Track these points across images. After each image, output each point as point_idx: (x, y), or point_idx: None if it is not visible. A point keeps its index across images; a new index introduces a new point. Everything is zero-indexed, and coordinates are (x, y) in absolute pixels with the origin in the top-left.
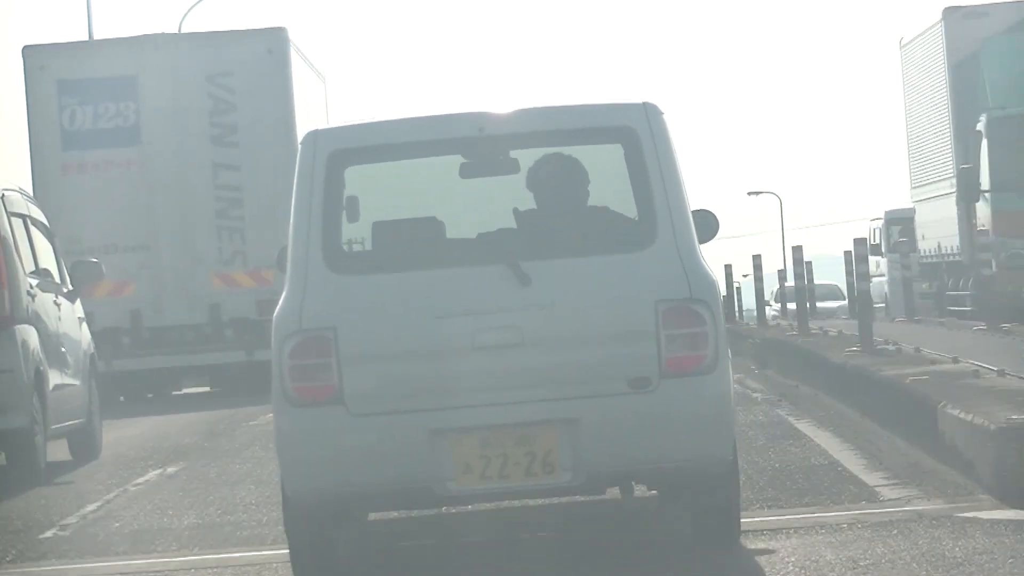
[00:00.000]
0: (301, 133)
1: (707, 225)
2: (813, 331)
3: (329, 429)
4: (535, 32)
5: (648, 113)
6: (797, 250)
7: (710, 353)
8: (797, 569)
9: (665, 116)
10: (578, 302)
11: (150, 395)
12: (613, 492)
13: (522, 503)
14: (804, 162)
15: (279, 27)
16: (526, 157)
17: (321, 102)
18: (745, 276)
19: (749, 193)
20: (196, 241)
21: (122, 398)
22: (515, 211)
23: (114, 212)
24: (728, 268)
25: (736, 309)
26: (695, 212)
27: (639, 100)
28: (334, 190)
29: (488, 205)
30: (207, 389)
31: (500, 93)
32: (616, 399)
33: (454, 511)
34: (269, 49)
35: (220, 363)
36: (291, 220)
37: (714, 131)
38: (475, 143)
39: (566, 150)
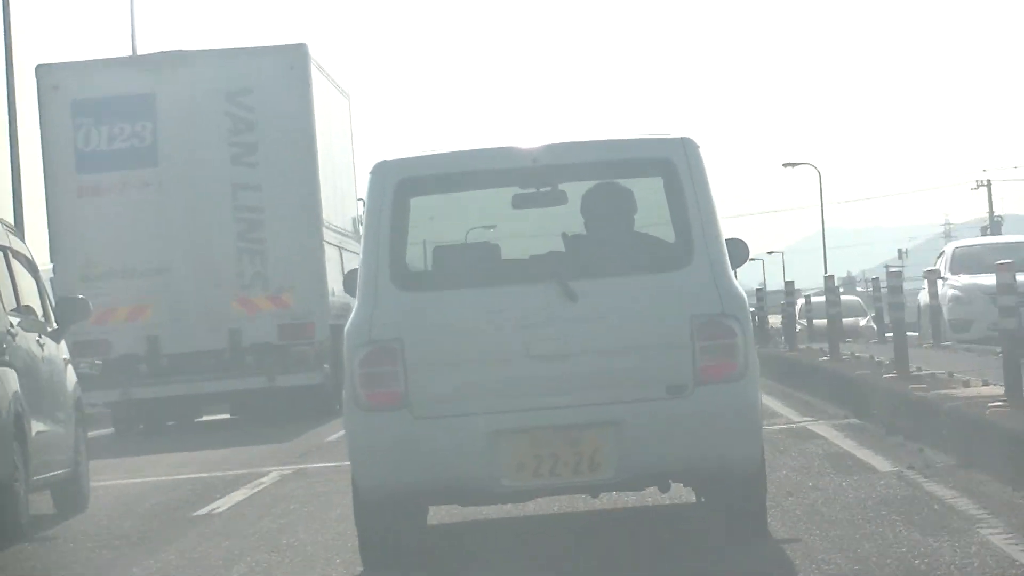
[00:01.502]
0: (323, 151)
1: (738, 251)
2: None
3: (396, 431)
4: (555, 35)
5: (685, 147)
6: (829, 279)
7: (740, 362)
8: None
9: (700, 149)
10: (621, 316)
11: (171, 423)
12: (653, 497)
13: (573, 508)
14: (844, 133)
15: (299, 43)
16: (573, 188)
17: (345, 120)
18: (771, 254)
19: (785, 164)
20: (215, 264)
21: (141, 426)
22: (563, 235)
23: (131, 234)
24: (760, 292)
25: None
26: (728, 240)
27: (678, 136)
28: (400, 215)
29: (539, 231)
30: (227, 416)
31: (525, 107)
32: (655, 404)
33: (509, 516)
34: (290, 66)
35: (240, 389)
36: (362, 242)
37: (748, 99)
38: (530, 173)
39: (613, 180)
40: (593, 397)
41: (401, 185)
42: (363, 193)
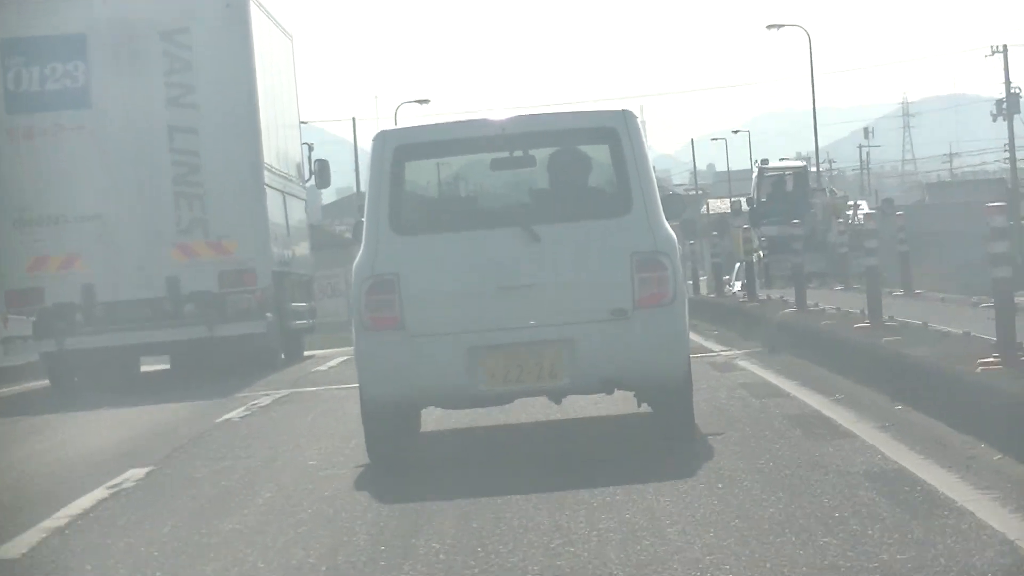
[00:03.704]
0: (264, 93)
1: (675, 206)
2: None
3: (394, 348)
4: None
5: (626, 117)
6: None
7: (670, 291)
8: None
9: (638, 119)
10: (574, 254)
11: (106, 378)
12: (604, 406)
13: (535, 421)
14: None
15: None
16: (541, 153)
17: (288, 62)
18: (736, 132)
19: (769, 27)
20: (152, 210)
21: (76, 379)
22: (530, 189)
23: (64, 180)
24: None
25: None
26: (667, 196)
27: (619, 109)
28: (397, 174)
29: (511, 187)
30: (167, 367)
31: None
32: (602, 324)
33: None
34: (227, 3)
35: (180, 340)
36: (366, 197)
37: None
38: (501, 140)
39: (569, 145)
40: (551, 319)
41: (398, 150)
42: (308, 138)
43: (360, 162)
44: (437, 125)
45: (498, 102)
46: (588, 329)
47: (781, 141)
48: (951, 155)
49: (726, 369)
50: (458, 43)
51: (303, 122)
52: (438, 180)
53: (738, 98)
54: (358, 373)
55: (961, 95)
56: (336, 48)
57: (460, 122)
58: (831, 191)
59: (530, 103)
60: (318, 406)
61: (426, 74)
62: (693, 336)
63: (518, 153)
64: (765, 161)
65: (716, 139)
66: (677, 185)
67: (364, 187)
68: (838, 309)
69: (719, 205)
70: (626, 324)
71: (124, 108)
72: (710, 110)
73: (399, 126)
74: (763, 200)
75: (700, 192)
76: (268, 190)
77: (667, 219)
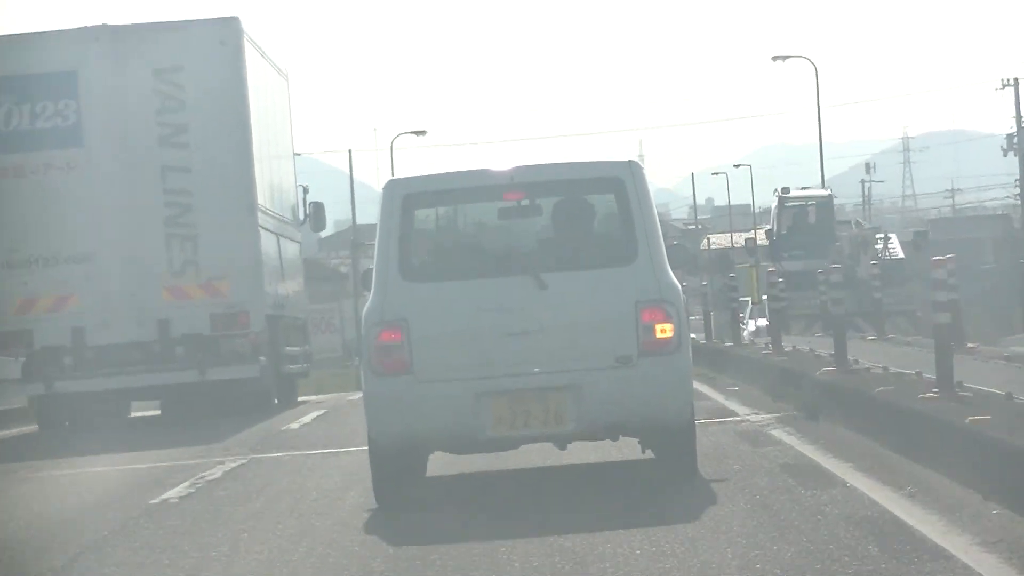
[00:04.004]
0: (258, 132)
1: (681, 256)
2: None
3: (403, 392)
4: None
5: (632, 168)
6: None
7: (675, 339)
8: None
9: (644, 170)
10: (580, 301)
11: (98, 419)
12: (608, 452)
13: (547, 465)
14: (844, 21)
15: (231, 17)
16: (546, 203)
17: (283, 100)
18: (737, 167)
19: (775, 58)
20: (143, 251)
21: (67, 423)
22: (537, 237)
23: (54, 220)
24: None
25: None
26: (672, 246)
27: (626, 160)
28: (407, 222)
29: (518, 236)
30: (157, 412)
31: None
32: (607, 371)
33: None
34: (221, 41)
35: (170, 384)
36: (376, 245)
37: None
38: (508, 189)
39: (575, 195)
40: (557, 365)
41: (407, 199)
42: (303, 179)
43: (356, 194)
44: (446, 175)
45: (495, 133)
46: (594, 376)
47: (779, 174)
48: (953, 191)
49: (759, 441)
50: (455, 73)
51: (298, 153)
52: (446, 228)
53: (735, 131)
54: (366, 416)
55: (960, 131)
56: (332, 80)
57: (468, 171)
58: (857, 222)
59: (526, 134)
60: (272, 484)
61: (422, 105)
62: (710, 392)
63: (525, 202)
64: (786, 190)
65: (716, 173)
66: (676, 220)
67: (375, 233)
68: (885, 369)
69: (720, 240)
70: (631, 371)
71: (116, 147)
72: (709, 143)
73: (408, 175)
74: (783, 233)
75: (700, 227)
76: (262, 231)
77: (672, 268)
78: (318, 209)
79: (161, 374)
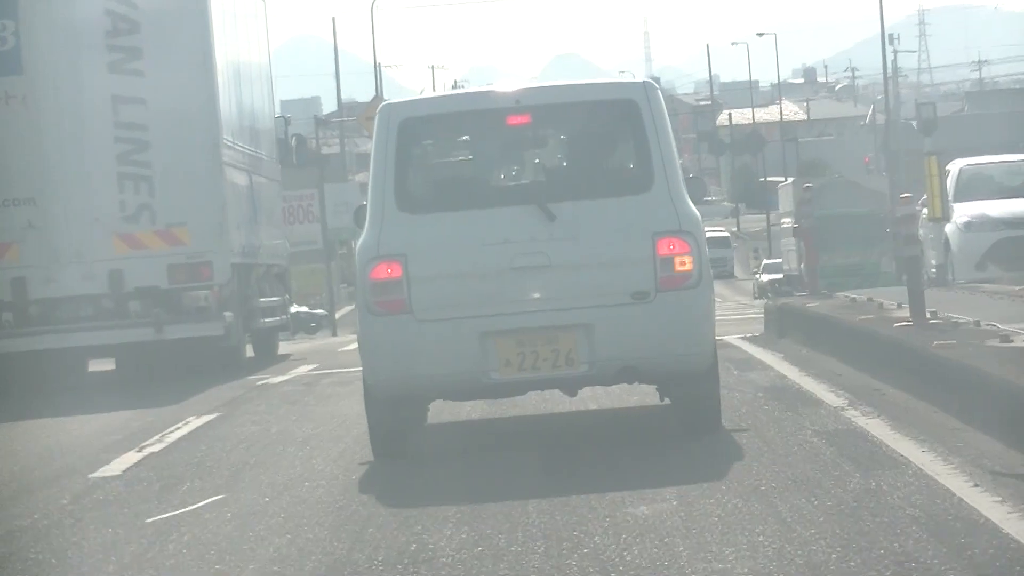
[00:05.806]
0: (224, 58)
1: (698, 188)
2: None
3: (401, 333)
4: None
5: (647, 89)
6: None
7: (695, 273)
8: None
9: (659, 91)
10: (592, 233)
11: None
12: (624, 399)
13: (551, 412)
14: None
15: None
16: (555, 129)
17: (257, 23)
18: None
19: (759, 34)
20: (92, 193)
21: (11, 384)
22: (544, 165)
23: None
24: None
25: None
26: (689, 178)
27: (640, 80)
28: (403, 149)
29: (523, 164)
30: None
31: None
32: (622, 308)
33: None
34: None
35: (123, 343)
36: (370, 175)
37: None
38: (512, 112)
39: (586, 119)
40: (568, 303)
41: (404, 124)
42: (281, 109)
43: (340, 66)
44: (445, 97)
45: None
46: (607, 313)
47: (795, 43)
48: (980, 63)
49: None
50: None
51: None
52: (447, 155)
53: (745, 5)
54: (362, 360)
55: (968, 5)
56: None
57: (470, 93)
58: None
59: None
60: (251, 439)
61: (423, 35)
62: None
63: (531, 126)
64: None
65: (736, 44)
66: (684, 95)
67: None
68: None
69: (741, 117)
70: (648, 308)
71: (60, 75)
72: (718, 17)
73: (404, 99)
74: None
75: (718, 103)
76: (228, 170)
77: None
78: (301, 142)
79: (113, 331)
